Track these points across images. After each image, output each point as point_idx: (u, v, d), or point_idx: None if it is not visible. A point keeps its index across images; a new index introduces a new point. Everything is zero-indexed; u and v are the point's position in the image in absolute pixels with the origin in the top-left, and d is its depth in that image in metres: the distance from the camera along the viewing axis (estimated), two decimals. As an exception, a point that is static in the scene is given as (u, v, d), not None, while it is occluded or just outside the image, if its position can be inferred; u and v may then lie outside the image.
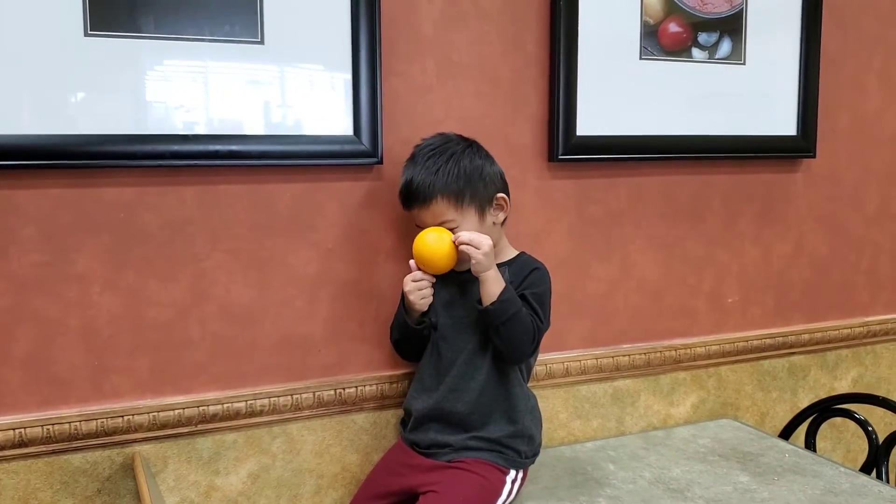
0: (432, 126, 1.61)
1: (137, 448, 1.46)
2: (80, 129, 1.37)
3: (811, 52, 1.95)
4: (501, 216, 1.51)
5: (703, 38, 1.85)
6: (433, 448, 1.49)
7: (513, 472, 1.47)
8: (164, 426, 1.47)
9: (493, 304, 1.40)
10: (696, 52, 1.85)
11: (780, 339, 2.02)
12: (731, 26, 1.87)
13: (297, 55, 1.51)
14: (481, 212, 1.47)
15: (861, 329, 2.12)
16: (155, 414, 1.46)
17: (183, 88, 1.43)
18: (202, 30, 1.43)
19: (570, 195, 1.77)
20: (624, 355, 1.84)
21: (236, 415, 1.51)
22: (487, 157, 1.50)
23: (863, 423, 1.75)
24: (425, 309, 1.49)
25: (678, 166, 1.87)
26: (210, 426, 1.50)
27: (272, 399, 1.54)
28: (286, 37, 1.49)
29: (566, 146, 1.72)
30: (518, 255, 1.56)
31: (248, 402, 1.52)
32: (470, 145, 1.49)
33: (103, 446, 1.43)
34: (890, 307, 2.18)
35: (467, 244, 1.40)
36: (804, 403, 2.07)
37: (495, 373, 1.48)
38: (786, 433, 1.93)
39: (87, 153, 1.38)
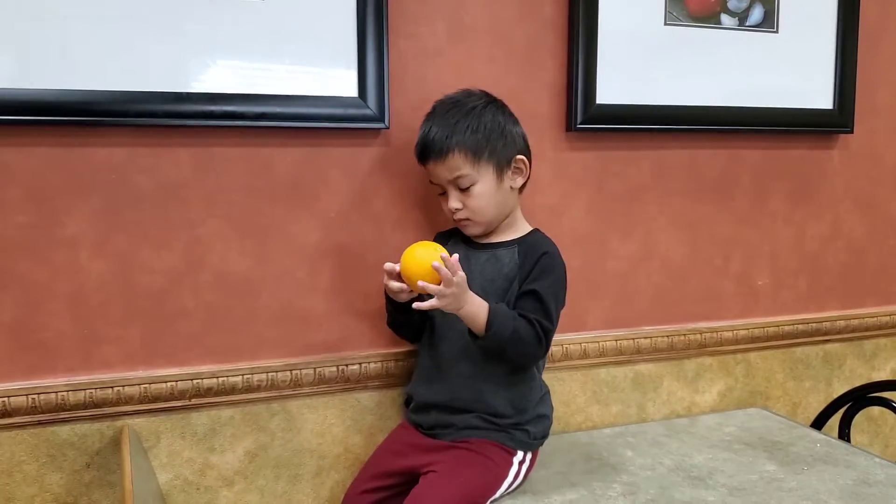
0: (442, 92, 1.53)
1: (129, 421, 1.40)
2: (70, 85, 1.31)
3: (849, 22, 1.83)
4: (520, 180, 1.43)
5: (732, 3, 1.75)
6: (436, 428, 1.41)
7: (520, 454, 1.38)
8: (156, 399, 1.40)
9: (483, 338, 1.31)
10: (725, 18, 1.74)
11: (815, 325, 1.90)
12: (763, -8, 1.77)
13: (301, 13, 1.44)
14: (499, 172, 1.38)
15: (900, 317, 1.99)
16: (146, 386, 1.39)
17: (177, 45, 1.37)
18: (198, -16, 1.37)
19: (589, 167, 1.68)
20: (645, 338, 1.74)
21: (232, 389, 1.44)
22: (511, 116, 1.42)
23: (902, 413, 1.63)
24: (402, 301, 1.38)
25: (705, 139, 1.77)
26: (205, 400, 1.43)
27: (270, 374, 1.47)
28: (288, -6, 1.43)
29: (585, 115, 1.63)
30: (531, 231, 1.47)
31: (245, 377, 1.45)
32: (493, 101, 1.41)
33: (92, 418, 1.37)
34: (933, 294, 2.05)
35: (437, 270, 1.25)
36: (840, 394, 1.95)
37: (500, 368, 1.40)
38: (818, 423, 1.81)
39: (77, 110, 1.32)
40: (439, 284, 1.25)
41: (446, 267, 1.24)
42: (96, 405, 1.36)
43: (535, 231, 1.47)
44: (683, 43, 1.71)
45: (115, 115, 1.34)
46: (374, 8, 1.46)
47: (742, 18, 1.76)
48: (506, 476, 1.35)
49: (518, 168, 1.42)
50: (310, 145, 1.47)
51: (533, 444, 1.40)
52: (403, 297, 1.35)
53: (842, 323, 1.93)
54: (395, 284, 1.33)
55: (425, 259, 1.26)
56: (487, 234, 1.45)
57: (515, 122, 1.42)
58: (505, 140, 1.39)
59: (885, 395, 1.69)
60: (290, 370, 1.48)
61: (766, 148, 1.83)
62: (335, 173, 1.49)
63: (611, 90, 1.66)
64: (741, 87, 1.77)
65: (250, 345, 1.47)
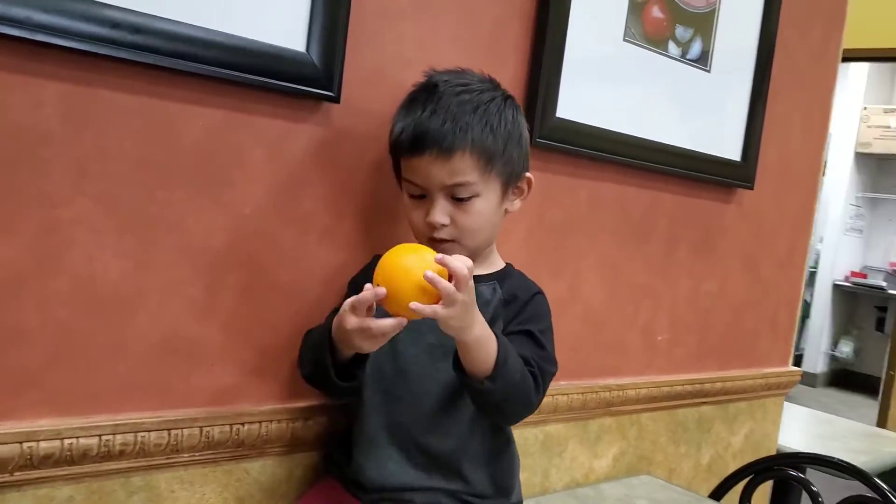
0: (399, 68, 1.17)
1: None
2: None
3: (763, 75, 1.77)
4: (517, 204, 1.12)
5: (679, 31, 1.59)
6: (390, 491, 1.04)
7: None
8: (-45, 474, 0.87)
9: (489, 378, 0.95)
10: (671, 45, 1.58)
11: (697, 386, 1.79)
12: (705, 26, 1.63)
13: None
14: (505, 188, 1.07)
15: (761, 381, 1.96)
16: (-59, 453, 0.86)
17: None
18: None
19: (534, 191, 1.41)
20: (563, 394, 1.49)
21: (82, 457, 0.95)
22: (524, 118, 1.10)
23: (814, 495, 1.55)
24: (372, 351, 0.99)
25: (635, 175, 1.58)
26: (37, 474, 0.92)
27: (140, 435, 0.99)
28: None
29: (543, 129, 1.36)
30: (507, 266, 1.16)
31: (104, 439, 0.96)
32: (509, 96, 1.09)
33: None
34: (783, 359, 2.05)
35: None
36: (705, 460, 1.87)
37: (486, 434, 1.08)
38: (717, 494, 1.69)
39: None
40: (436, 303, 0.88)
41: (450, 277, 0.88)
42: None
43: (512, 267, 1.16)
44: (636, 64, 1.52)
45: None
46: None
47: (685, 50, 1.61)
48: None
49: (520, 188, 1.11)
50: (230, 108, 1.03)
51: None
52: (366, 346, 0.95)
53: (719, 385, 1.84)
54: (353, 321, 0.94)
55: (416, 267, 0.88)
56: None
57: (526, 126, 1.11)
58: (521, 150, 1.08)
59: (786, 469, 1.61)
60: (168, 429, 1.02)
61: (682, 193, 1.69)
62: (257, 154, 1.07)
63: (571, 104, 1.40)
64: (673, 123, 1.62)
65: (114, 389, 0.98)
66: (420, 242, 1.04)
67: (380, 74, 1.16)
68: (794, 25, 1.83)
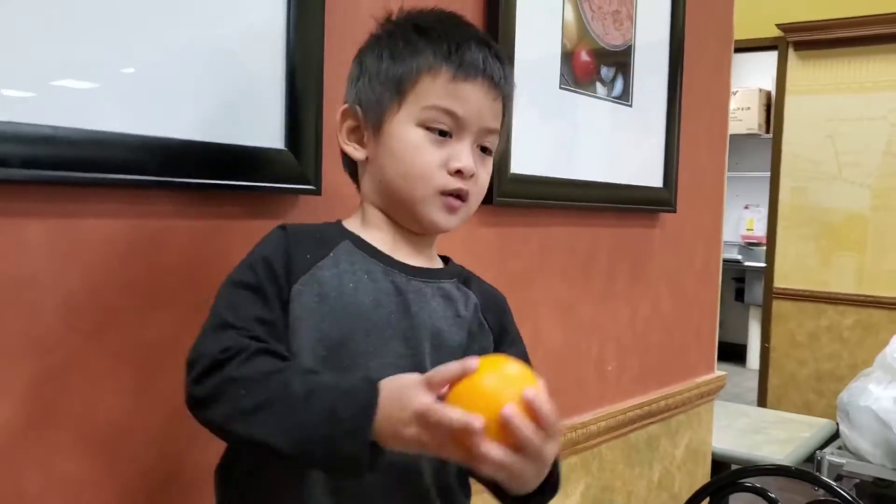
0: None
1: None
2: None
3: (674, 102, 1.84)
4: None
5: (604, 71, 1.63)
6: None
7: None
8: None
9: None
10: (599, 86, 1.62)
11: (645, 408, 1.85)
12: (623, 62, 1.68)
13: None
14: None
15: (695, 391, 2.05)
16: None
17: None
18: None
19: (493, 245, 1.41)
20: (536, 443, 1.50)
21: None
22: None
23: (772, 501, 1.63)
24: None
25: (577, 216, 1.61)
26: None
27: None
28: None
29: (501, 187, 1.36)
30: (450, 260, 0.97)
31: None
32: None
33: None
34: (709, 366, 2.15)
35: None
36: (657, 477, 1.93)
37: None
38: (682, 515, 1.75)
39: None
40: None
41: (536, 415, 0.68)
42: None
43: (449, 259, 0.97)
44: (571, 108, 1.54)
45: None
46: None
47: (610, 88, 1.65)
48: None
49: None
50: (213, 216, 0.97)
51: None
52: (401, 446, 0.70)
53: (662, 403, 1.91)
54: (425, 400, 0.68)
55: (512, 384, 0.70)
56: (418, 247, 0.91)
57: None
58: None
59: (749, 480, 1.69)
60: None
61: (616, 226, 1.73)
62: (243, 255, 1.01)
63: (521, 158, 1.41)
64: (605, 160, 1.66)
65: (126, 537, 0.90)
66: (419, 192, 0.85)
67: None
68: (694, 49, 1.91)
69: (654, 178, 1.82)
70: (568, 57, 1.51)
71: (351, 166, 0.94)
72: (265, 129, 1.00)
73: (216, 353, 0.73)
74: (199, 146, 0.93)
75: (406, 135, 0.85)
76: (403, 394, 0.69)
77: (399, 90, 0.85)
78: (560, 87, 1.50)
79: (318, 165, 1.05)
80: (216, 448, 0.92)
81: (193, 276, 0.96)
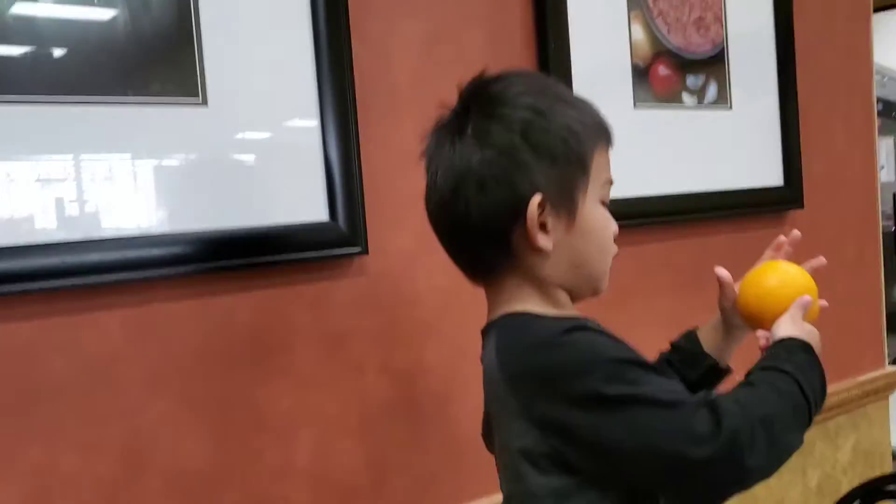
0: (414, 201, 1.25)
1: None
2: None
3: (788, 94, 1.77)
4: None
5: (690, 81, 1.62)
6: None
7: None
8: None
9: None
10: (685, 96, 1.61)
11: (789, 413, 1.78)
12: (716, 68, 1.65)
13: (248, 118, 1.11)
14: None
15: (855, 391, 1.93)
16: None
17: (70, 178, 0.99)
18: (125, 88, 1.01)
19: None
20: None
21: None
22: None
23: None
24: None
25: (676, 230, 1.61)
26: None
27: None
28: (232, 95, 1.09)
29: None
30: None
31: None
32: None
33: None
34: (877, 362, 2.02)
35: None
36: (813, 483, 1.85)
37: None
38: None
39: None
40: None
41: None
42: None
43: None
44: (652, 126, 1.55)
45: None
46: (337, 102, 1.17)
47: (700, 96, 1.63)
48: None
49: None
50: (276, 286, 1.14)
51: None
52: None
53: (811, 406, 1.83)
54: None
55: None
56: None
57: None
58: None
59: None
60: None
61: (730, 232, 1.70)
62: (306, 317, 1.16)
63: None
64: (700, 169, 1.64)
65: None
66: (608, 264, 0.92)
67: (399, 215, 1.24)
68: (813, 24, 1.82)
69: (773, 177, 1.76)
70: (642, 75, 1.53)
71: (494, 260, 0.88)
72: (312, 204, 1.15)
73: (713, 427, 0.78)
74: (247, 230, 1.10)
75: (595, 213, 0.87)
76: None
77: (585, 170, 0.85)
78: (636, 107, 1.52)
79: (364, 229, 1.18)
80: (291, 481, 1.08)
81: (262, 338, 1.12)
